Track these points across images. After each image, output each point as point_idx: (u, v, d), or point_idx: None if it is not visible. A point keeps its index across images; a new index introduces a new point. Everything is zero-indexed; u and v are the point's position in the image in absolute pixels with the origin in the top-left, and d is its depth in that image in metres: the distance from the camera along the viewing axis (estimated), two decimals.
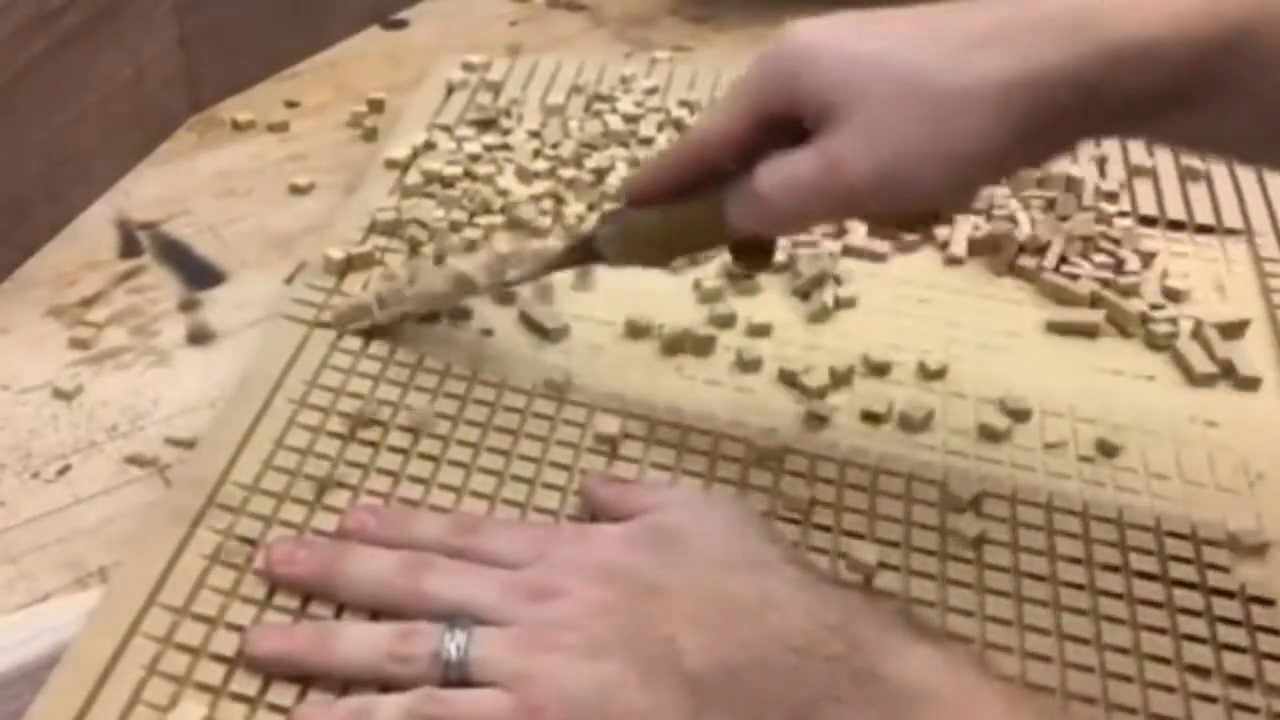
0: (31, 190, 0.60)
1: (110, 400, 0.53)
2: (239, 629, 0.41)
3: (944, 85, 0.38)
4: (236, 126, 0.70)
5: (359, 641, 0.39)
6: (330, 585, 0.42)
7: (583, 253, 0.49)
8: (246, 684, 0.39)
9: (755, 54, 0.42)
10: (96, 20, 0.61)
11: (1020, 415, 0.52)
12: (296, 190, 0.65)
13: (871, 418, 0.51)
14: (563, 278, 0.56)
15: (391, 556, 0.42)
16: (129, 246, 0.61)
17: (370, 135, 0.69)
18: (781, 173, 0.41)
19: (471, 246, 0.58)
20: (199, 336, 0.55)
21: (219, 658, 0.40)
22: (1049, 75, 0.38)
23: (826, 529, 0.46)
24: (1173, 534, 0.46)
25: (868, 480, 0.48)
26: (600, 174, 0.63)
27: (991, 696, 0.36)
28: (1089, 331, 0.56)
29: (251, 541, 0.44)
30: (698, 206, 0.45)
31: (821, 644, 0.37)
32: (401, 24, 0.80)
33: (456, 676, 0.38)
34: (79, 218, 0.63)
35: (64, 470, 0.50)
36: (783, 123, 0.42)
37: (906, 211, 0.44)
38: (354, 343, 0.52)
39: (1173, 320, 0.56)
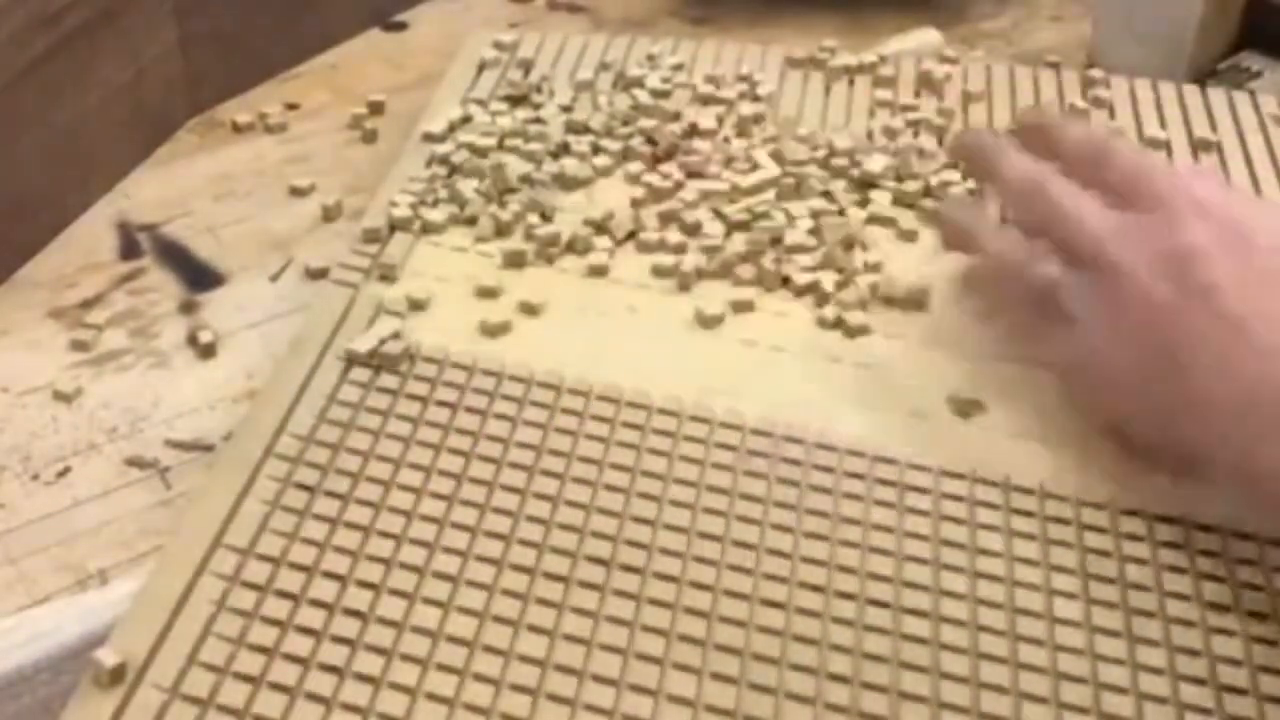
0: (31, 192, 0.60)
1: (110, 402, 0.53)
2: (302, 569, 0.43)
3: None
4: (236, 128, 0.70)
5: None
6: (993, 168, 0.51)
7: None
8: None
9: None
10: (97, 22, 0.61)
11: None
12: (296, 192, 0.65)
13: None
14: None
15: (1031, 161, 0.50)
16: (129, 248, 0.61)
17: (370, 137, 0.69)
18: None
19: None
20: (200, 350, 0.55)
21: (284, 594, 0.42)
22: None
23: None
24: (1202, 527, 0.46)
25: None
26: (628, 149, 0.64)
27: None
28: None
29: (309, 488, 0.46)
30: None
31: None
32: (401, 26, 0.80)
33: None
34: (79, 220, 0.63)
35: (64, 472, 0.49)
36: None
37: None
38: (399, 305, 0.53)
39: None
